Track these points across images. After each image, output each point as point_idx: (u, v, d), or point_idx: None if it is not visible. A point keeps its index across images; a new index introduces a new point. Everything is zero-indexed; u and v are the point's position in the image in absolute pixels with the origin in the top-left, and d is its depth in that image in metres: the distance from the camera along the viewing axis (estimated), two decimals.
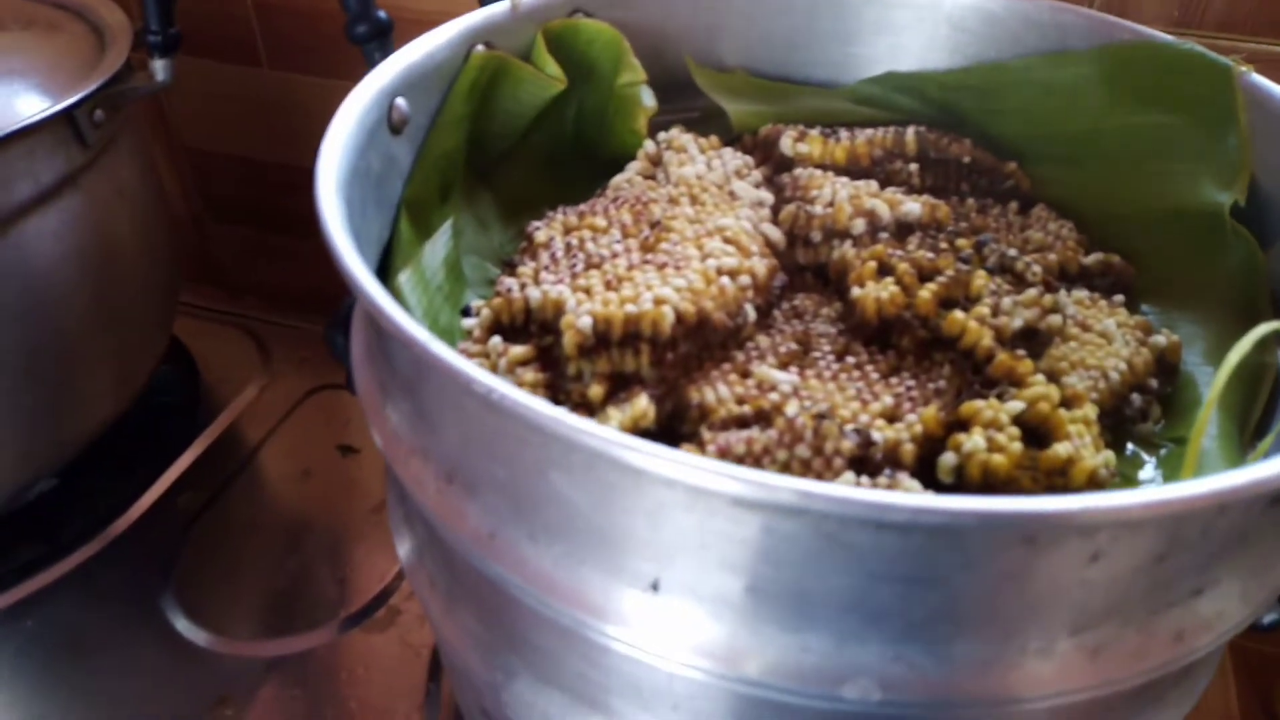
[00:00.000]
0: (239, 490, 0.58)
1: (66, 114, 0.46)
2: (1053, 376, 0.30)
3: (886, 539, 0.20)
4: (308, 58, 0.65)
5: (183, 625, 0.50)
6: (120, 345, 0.54)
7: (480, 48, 0.38)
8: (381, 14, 0.36)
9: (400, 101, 0.35)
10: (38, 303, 0.47)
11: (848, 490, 0.18)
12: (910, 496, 0.19)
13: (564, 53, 0.40)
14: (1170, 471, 0.30)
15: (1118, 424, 0.31)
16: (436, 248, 0.36)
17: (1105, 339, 0.32)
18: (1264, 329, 0.26)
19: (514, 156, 0.42)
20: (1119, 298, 0.34)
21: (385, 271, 0.34)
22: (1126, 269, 0.36)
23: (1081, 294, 0.34)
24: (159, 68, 0.50)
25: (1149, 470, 0.30)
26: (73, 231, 0.48)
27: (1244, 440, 0.31)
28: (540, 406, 0.20)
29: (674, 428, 0.29)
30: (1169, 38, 0.38)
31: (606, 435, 0.20)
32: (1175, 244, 0.37)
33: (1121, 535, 0.20)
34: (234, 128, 0.72)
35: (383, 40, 0.36)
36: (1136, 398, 0.31)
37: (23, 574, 0.52)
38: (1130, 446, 0.31)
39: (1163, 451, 0.31)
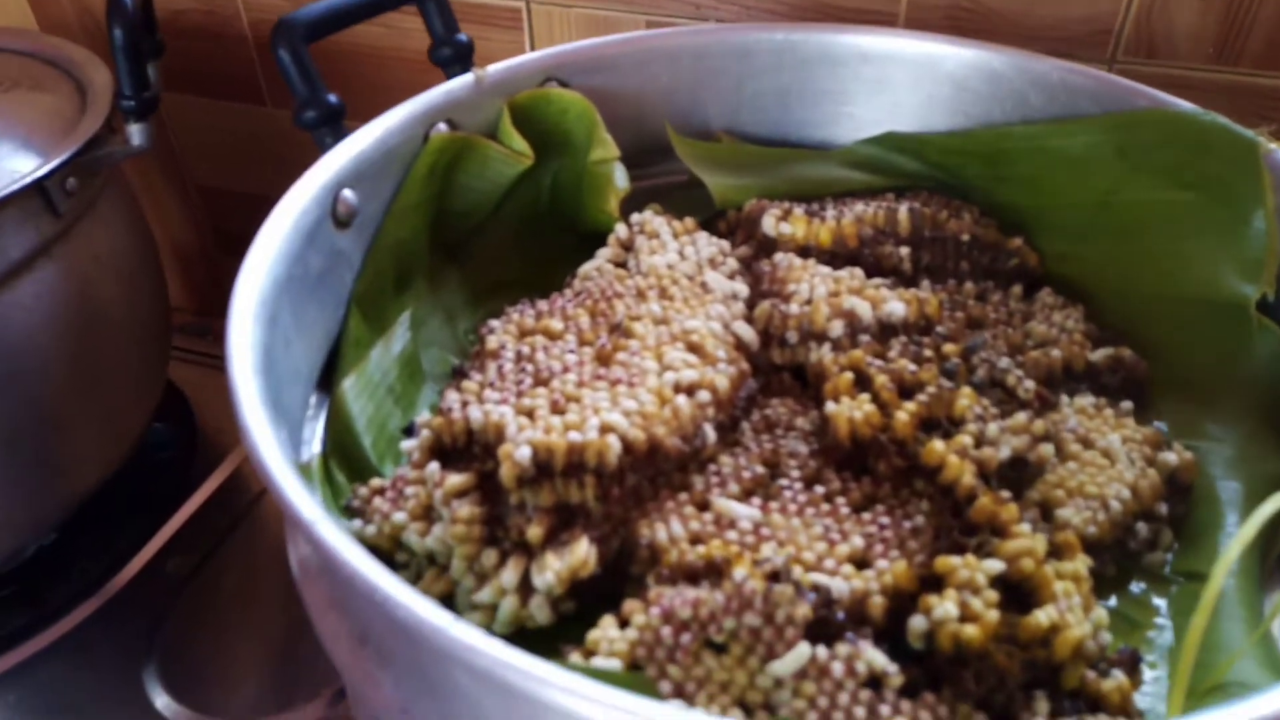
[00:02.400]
0: (229, 552, 0.57)
1: (37, 185, 0.45)
2: (1046, 507, 0.27)
3: None
4: None
5: (163, 703, 0.49)
6: (107, 407, 0.53)
7: (441, 127, 0.36)
8: (332, 98, 0.34)
9: (347, 194, 0.33)
10: (11, 374, 0.46)
11: None
12: None
13: (535, 125, 0.38)
14: (1181, 620, 0.27)
15: (1122, 556, 0.28)
16: (391, 343, 0.34)
17: (1108, 458, 0.29)
18: None
19: (485, 231, 0.39)
20: (1127, 404, 0.31)
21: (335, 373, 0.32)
22: (1138, 365, 0.33)
23: (1086, 401, 0.31)
24: (135, 132, 0.48)
25: (1161, 617, 0.27)
26: (46, 302, 0.47)
27: (1264, 574, 0.28)
28: (427, 613, 0.18)
29: (622, 567, 0.27)
30: (1189, 106, 0.34)
31: (495, 654, 0.17)
32: (1195, 335, 0.33)
33: None
34: (240, 164, 0.72)
35: (334, 126, 0.34)
36: (1143, 527, 0.28)
37: (8, 642, 0.52)
38: (1138, 585, 0.28)
39: (1174, 589, 0.28)
